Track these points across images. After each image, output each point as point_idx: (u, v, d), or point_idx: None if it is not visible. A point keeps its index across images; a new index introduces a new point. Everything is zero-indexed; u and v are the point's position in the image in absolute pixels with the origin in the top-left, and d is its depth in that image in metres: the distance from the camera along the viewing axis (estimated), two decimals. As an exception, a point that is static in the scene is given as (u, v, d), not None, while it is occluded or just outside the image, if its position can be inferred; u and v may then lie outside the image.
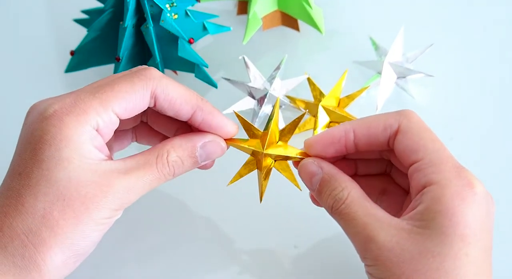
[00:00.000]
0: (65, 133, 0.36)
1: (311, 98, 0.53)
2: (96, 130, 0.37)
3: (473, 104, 0.56)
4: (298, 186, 0.42)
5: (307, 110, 0.52)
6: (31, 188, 0.35)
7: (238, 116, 0.42)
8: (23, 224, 0.35)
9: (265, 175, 0.42)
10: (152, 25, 0.52)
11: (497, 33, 0.61)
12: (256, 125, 0.52)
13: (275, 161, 0.42)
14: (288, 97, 0.54)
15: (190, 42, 0.53)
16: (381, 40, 0.57)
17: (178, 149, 0.40)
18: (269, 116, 0.42)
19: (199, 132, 0.41)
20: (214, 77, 0.54)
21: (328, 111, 0.50)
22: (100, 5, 0.56)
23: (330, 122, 0.51)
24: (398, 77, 0.55)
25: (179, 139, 0.40)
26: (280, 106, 0.53)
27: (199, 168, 0.42)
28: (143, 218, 0.49)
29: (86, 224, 0.36)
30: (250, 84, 0.53)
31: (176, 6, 0.53)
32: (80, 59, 0.56)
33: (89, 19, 0.56)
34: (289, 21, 0.59)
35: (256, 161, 0.42)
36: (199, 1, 0.55)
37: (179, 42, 0.52)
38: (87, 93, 0.37)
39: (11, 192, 0.36)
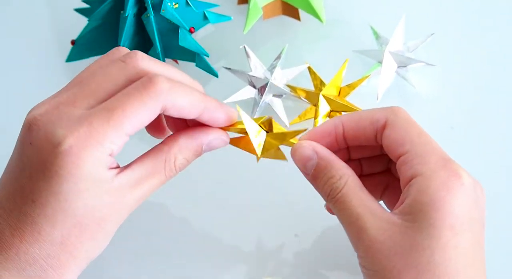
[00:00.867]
0: (81, 169, 0.35)
1: (311, 88, 0.53)
2: (110, 155, 0.37)
3: (473, 93, 0.56)
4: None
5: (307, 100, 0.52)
6: (48, 218, 0.35)
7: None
8: (40, 251, 0.36)
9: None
10: (153, 14, 0.51)
11: (498, 22, 0.61)
12: (256, 114, 0.53)
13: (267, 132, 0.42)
14: (289, 86, 0.54)
15: (191, 31, 0.52)
16: (382, 29, 0.56)
17: (184, 151, 0.40)
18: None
19: (203, 127, 0.41)
20: (215, 66, 0.54)
21: (328, 100, 0.50)
22: (101, -6, 0.56)
23: (331, 111, 0.51)
24: (398, 67, 0.55)
25: (184, 139, 0.40)
26: (281, 96, 0.53)
27: None
28: (142, 216, 0.49)
29: (101, 240, 0.37)
30: (250, 74, 0.53)
31: (176, -5, 0.53)
32: (81, 48, 0.56)
33: (90, 8, 0.56)
34: (290, 11, 0.59)
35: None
36: (200, -10, 0.55)
37: (180, 31, 0.52)
38: (100, 121, 0.36)
39: (25, 217, 0.36)
